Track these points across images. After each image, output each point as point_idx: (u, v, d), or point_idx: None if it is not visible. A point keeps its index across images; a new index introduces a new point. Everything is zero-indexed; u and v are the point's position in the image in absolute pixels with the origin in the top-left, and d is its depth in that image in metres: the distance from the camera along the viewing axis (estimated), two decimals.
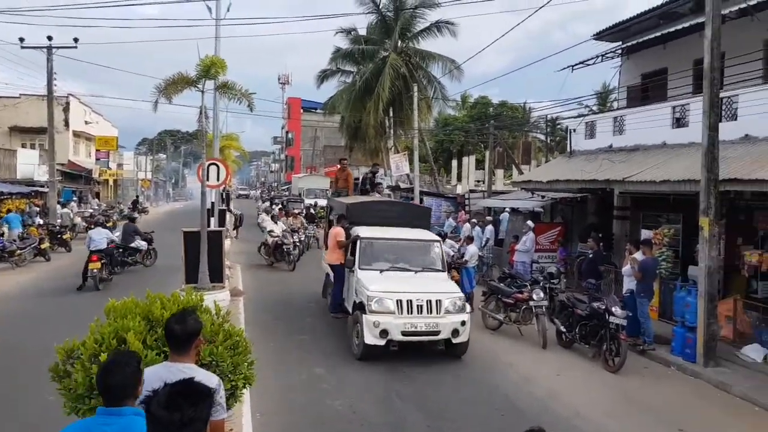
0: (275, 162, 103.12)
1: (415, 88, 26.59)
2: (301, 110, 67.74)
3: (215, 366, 4.87)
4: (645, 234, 12.80)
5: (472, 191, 28.56)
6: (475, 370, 8.91)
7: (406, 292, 8.87)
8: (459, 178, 40.07)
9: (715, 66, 9.21)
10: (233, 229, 24.96)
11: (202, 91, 10.26)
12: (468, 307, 9.31)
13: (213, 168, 11.48)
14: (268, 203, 30.25)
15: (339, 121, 35.22)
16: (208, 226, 14.35)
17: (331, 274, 11.28)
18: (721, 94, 11.09)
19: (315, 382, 8.09)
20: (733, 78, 12.68)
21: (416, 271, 9.72)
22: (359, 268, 9.70)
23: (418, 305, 8.74)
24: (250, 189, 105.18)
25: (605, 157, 15.37)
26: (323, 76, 33.69)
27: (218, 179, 11.61)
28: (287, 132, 75.62)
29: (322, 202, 34.18)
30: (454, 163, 43.34)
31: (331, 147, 56.68)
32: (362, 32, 32.32)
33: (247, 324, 10.66)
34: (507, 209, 20.07)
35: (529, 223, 15.87)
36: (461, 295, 9.33)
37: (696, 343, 9.35)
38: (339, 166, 15.04)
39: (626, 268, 10.63)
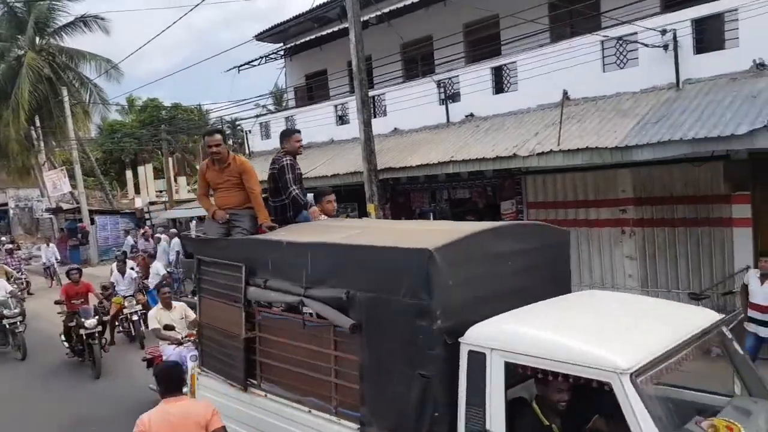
0: None
1: (65, 92, 23.18)
2: None
3: None
4: None
5: (152, 203, 26.51)
6: None
7: None
8: (137, 191, 36.83)
9: (362, 68, 10.16)
10: None
11: None
12: None
13: None
14: None
15: None
16: None
17: None
18: (371, 93, 12.41)
19: None
20: (383, 77, 14.38)
21: None
22: None
23: None
24: None
25: None
26: None
27: None
28: None
29: None
30: (129, 174, 39.64)
31: None
32: None
33: None
34: (194, 218, 19.16)
35: None
36: None
37: None
38: (212, 151, 5.48)
39: None
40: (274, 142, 16.85)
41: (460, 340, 3.34)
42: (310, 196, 5.66)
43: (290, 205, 5.53)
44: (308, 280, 4.12)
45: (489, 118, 11.25)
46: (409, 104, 12.17)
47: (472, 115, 11.66)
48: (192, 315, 7.48)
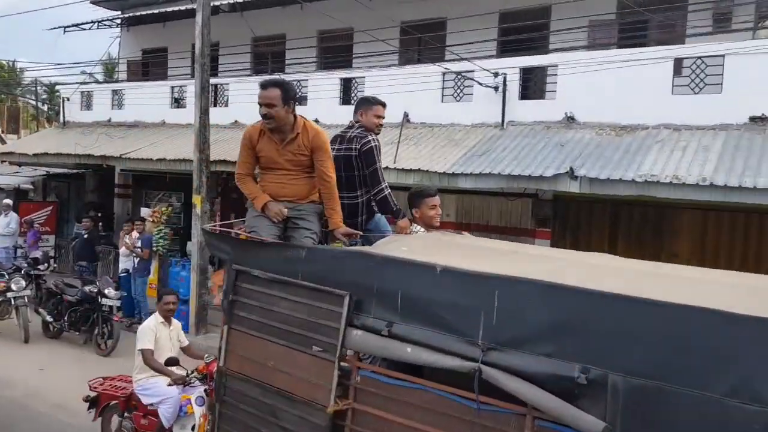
0: None
1: None
2: None
3: None
4: (144, 212, 12.61)
5: None
6: None
7: None
8: None
9: (206, 53, 9.60)
10: None
11: None
12: None
13: None
14: None
15: None
16: None
17: None
18: (214, 81, 11.82)
19: None
20: (229, 67, 13.77)
21: None
22: None
23: None
24: None
25: (103, 131, 14.46)
26: None
27: None
28: None
29: None
30: None
31: None
32: None
33: None
34: None
35: (8, 201, 13.45)
36: None
37: (189, 313, 9.73)
38: (261, 113, 3.67)
39: (123, 249, 10.33)
40: (95, 114, 15.34)
41: None
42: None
43: (365, 205, 3.92)
44: (490, 336, 2.46)
45: (333, 126, 11.28)
46: (254, 98, 11.73)
47: (317, 120, 11.62)
48: (186, 340, 5.77)
